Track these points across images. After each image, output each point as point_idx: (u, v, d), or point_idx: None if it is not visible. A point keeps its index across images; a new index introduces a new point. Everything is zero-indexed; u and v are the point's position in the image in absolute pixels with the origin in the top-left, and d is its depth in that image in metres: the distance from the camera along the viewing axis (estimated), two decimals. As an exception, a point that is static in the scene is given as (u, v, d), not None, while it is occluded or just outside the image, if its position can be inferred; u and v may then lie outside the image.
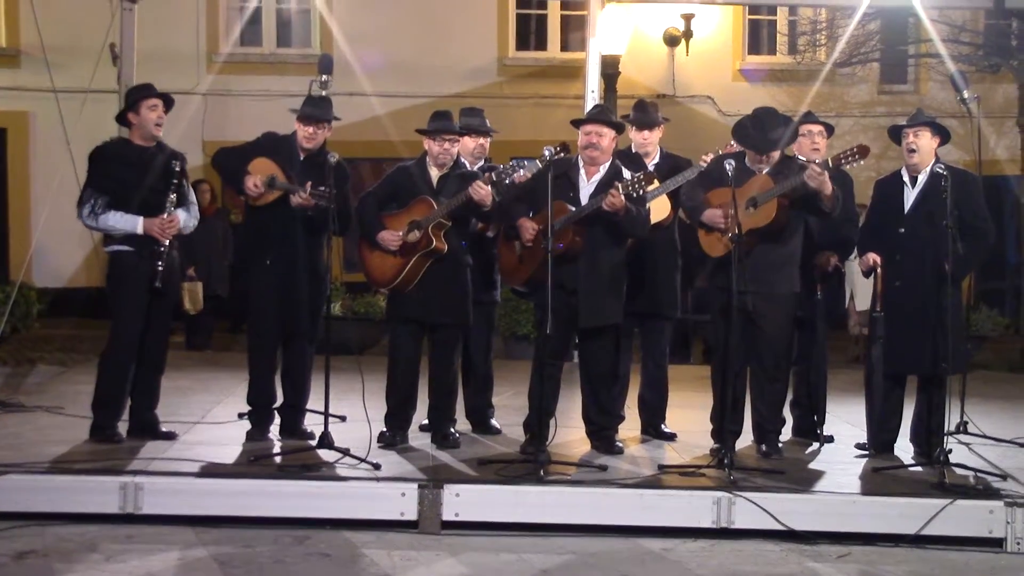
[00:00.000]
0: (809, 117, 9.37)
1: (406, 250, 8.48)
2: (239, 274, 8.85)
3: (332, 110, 8.70)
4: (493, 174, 8.42)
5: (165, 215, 8.39)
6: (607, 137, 8.56)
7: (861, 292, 15.19)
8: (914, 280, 8.56)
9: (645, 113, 9.29)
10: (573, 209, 8.33)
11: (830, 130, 9.43)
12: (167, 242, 8.41)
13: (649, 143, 9.23)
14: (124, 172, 8.37)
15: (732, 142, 9.04)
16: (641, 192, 8.26)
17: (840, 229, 9.06)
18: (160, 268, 8.35)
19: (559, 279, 8.12)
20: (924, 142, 8.64)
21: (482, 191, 8.30)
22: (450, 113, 8.83)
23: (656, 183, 8.70)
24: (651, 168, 8.94)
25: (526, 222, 8.44)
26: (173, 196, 8.45)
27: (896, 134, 8.80)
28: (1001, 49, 18.41)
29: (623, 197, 8.16)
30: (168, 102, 8.57)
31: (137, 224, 8.32)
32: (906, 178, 8.73)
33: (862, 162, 8.28)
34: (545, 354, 8.31)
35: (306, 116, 8.58)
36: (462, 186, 8.49)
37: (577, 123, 8.74)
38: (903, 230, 8.63)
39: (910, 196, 8.66)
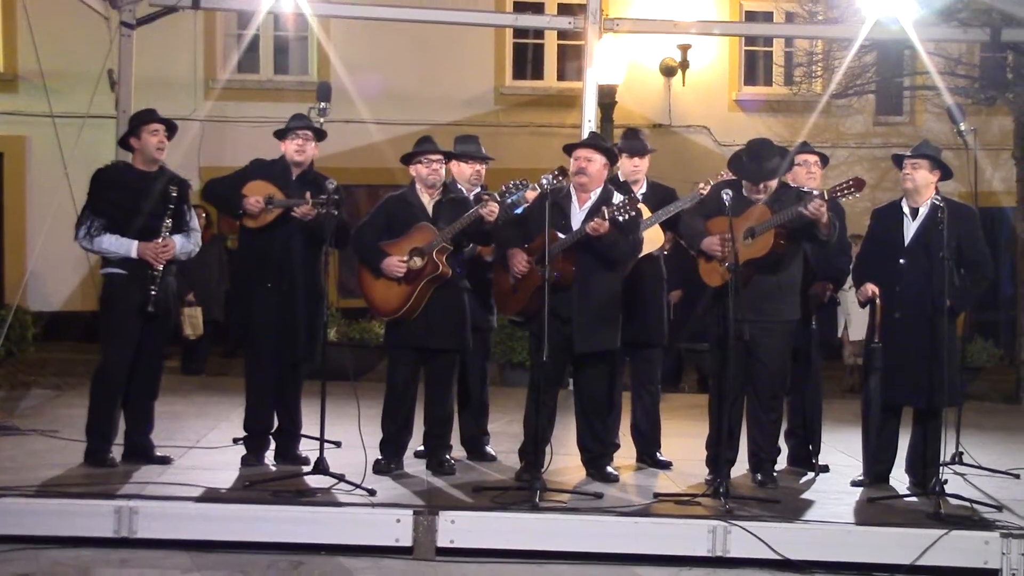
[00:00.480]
0: (805, 147, 9.41)
1: (411, 277, 8.49)
2: (237, 299, 8.83)
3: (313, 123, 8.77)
4: (497, 194, 8.46)
5: (160, 240, 8.40)
6: (597, 162, 8.57)
7: (856, 322, 15.25)
8: (913, 312, 8.57)
9: (635, 140, 9.33)
10: (563, 237, 8.35)
11: (825, 160, 9.47)
12: (161, 267, 8.40)
13: (640, 171, 9.25)
14: (122, 196, 8.40)
15: (723, 172, 9.08)
16: (627, 217, 8.26)
17: (834, 259, 9.11)
18: (153, 293, 8.36)
19: (553, 308, 8.14)
20: (920, 174, 8.66)
21: (494, 210, 8.34)
22: (431, 138, 8.87)
23: (645, 210, 8.73)
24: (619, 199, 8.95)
25: (517, 253, 8.45)
26: (168, 221, 8.46)
27: (899, 162, 8.83)
28: (997, 82, 18.44)
29: (608, 223, 8.19)
30: (171, 128, 8.61)
31: (132, 248, 8.33)
32: (906, 209, 8.75)
33: (857, 195, 8.31)
34: (540, 382, 8.31)
35: (291, 129, 8.67)
36: (457, 212, 8.52)
37: (569, 148, 8.73)
38: (903, 261, 8.64)
39: (910, 228, 8.68)
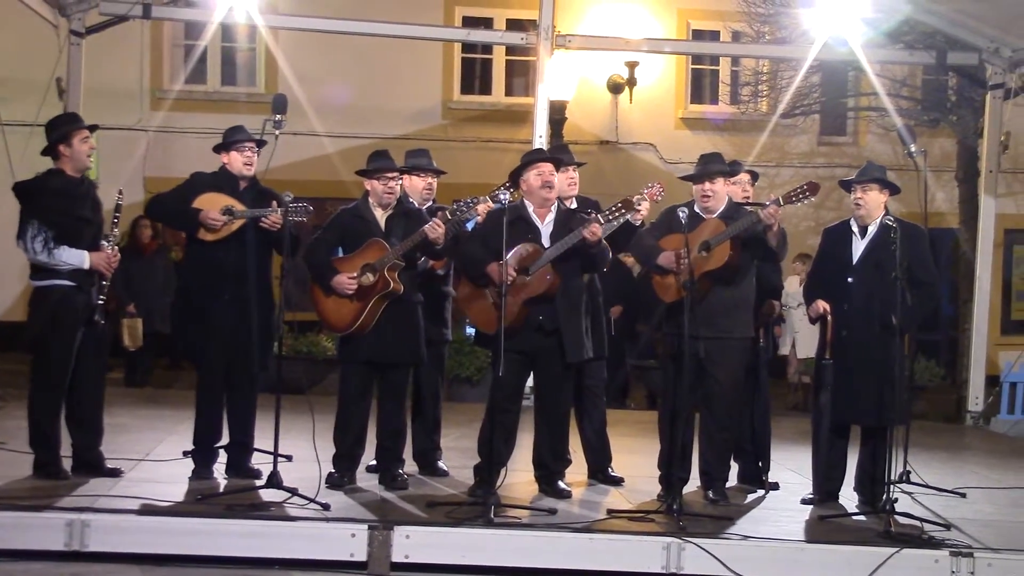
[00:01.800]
0: (735, 166, 9.50)
1: (362, 293, 8.47)
2: (187, 312, 8.72)
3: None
4: (448, 212, 8.45)
5: (110, 249, 8.35)
6: (555, 176, 8.61)
7: (803, 339, 15.39)
8: (861, 330, 8.65)
9: (568, 153, 9.37)
10: (545, 249, 8.36)
11: (755, 176, 9.61)
12: (109, 276, 8.35)
13: (575, 184, 9.26)
14: (65, 205, 8.28)
15: (655, 183, 9.18)
16: (618, 222, 8.39)
17: (770, 276, 9.20)
18: (101, 302, 8.32)
19: (536, 321, 8.19)
20: (871, 196, 8.74)
21: (439, 229, 8.34)
22: (388, 152, 8.85)
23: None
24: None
25: (497, 267, 8.30)
26: (116, 230, 8.45)
27: (847, 187, 8.91)
28: (940, 104, 18.71)
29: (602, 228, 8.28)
30: (92, 131, 8.53)
31: (84, 259, 8.25)
32: (855, 228, 8.82)
33: (812, 199, 8.41)
34: (499, 397, 8.30)
35: (238, 141, 8.65)
36: (410, 225, 8.52)
37: (528, 164, 8.64)
38: (851, 279, 8.72)
39: (859, 246, 8.76)
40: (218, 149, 8.77)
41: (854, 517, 8.47)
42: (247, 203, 8.55)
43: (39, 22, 13.56)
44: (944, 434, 13.95)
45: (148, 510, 7.50)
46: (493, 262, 8.33)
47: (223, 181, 8.66)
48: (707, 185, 8.67)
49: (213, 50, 20.45)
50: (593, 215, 8.36)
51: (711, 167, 8.73)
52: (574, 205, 9.11)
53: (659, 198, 9.27)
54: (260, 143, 8.77)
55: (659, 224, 8.85)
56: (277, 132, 8.68)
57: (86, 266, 8.24)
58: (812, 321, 9.03)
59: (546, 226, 8.52)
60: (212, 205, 8.48)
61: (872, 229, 8.72)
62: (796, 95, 18.48)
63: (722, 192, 8.71)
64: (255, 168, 8.73)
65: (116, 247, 8.46)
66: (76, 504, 7.46)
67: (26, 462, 8.39)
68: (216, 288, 8.52)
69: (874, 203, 8.74)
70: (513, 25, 19.33)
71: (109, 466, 8.49)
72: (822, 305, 8.76)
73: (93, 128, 8.55)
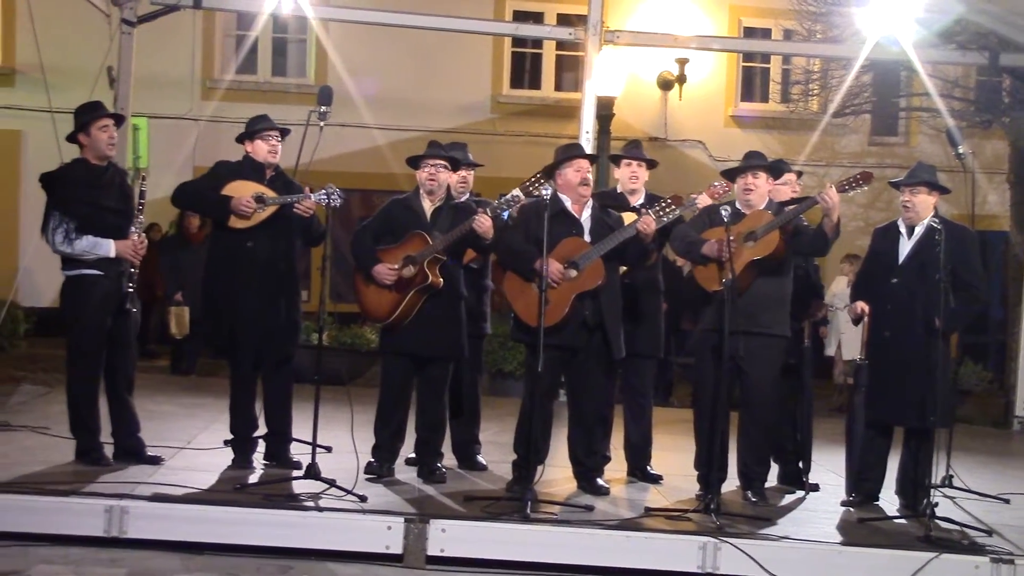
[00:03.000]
0: (781, 165, 9.42)
1: (402, 285, 8.48)
2: (219, 302, 8.70)
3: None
4: (489, 209, 8.43)
5: (136, 236, 8.39)
6: (591, 174, 8.64)
7: (848, 341, 15.28)
8: (903, 332, 8.59)
9: (636, 147, 9.37)
10: (588, 243, 8.35)
11: (799, 175, 9.52)
12: (137, 263, 8.41)
13: (638, 179, 9.26)
14: (89, 195, 8.31)
15: (715, 183, 9.14)
16: (671, 217, 8.41)
17: (811, 275, 9.22)
18: (131, 289, 8.36)
19: (581, 316, 8.20)
20: (920, 199, 8.68)
21: (486, 223, 8.32)
22: (438, 143, 8.92)
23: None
24: (636, 207, 8.99)
25: (551, 261, 8.24)
26: (141, 217, 8.48)
27: (897, 187, 8.85)
28: (992, 105, 18.50)
29: (655, 223, 8.29)
30: (118, 121, 8.58)
31: (110, 247, 8.28)
32: (903, 229, 8.77)
33: (866, 187, 8.37)
34: (537, 392, 8.29)
35: (263, 130, 8.67)
36: (456, 218, 8.52)
37: (567, 159, 8.63)
38: (896, 280, 8.66)
39: (905, 247, 8.71)
40: (241, 139, 8.79)
41: (894, 520, 8.40)
42: (276, 191, 8.58)
43: (91, 11, 13.65)
44: (990, 439, 13.84)
45: (187, 498, 7.54)
46: (536, 257, 8.28)
47: (248, 169, 8.68)
48: (749, 179, 8.64)
49: (264, 41, 20.57)
50: (645, 210, 8.33)
51: (753, 160, 8.70)
52: (641, 200, 9.10)
53: (720, 196, 9.20)
54: (284, 132, 8.78)
55: (698, 220, 8.81)
56: (322, 124, 8.68)
57: (112, 254, 8.27)
58: (854, 322, 8.98)
59: (585, 221, 8.51)
60: (242, 193, 8.50)
61: (919, 230, 8.66)
62: (847, 94, 18.34)
63: (764, 188, 8.67)
64: (279, 157, 8.75)
65: (143, 234, 8.49)
66: (115, 490, 7.50)
67: (68, 447, 8.48)
68: (245, 277, 8.53)
69: (922, 205, 8.67)
70: (563, 20, 19.36)
71: (150, 453, 8.54)
72: (860, 306, 8.73)
73: (118, 118, 8.61)
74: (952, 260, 8.29)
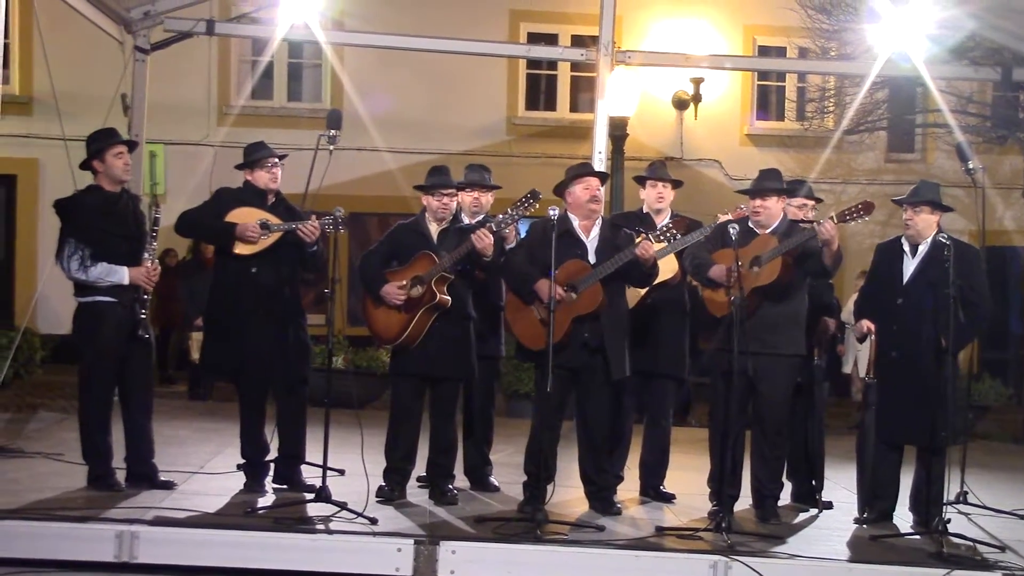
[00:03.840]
0: (799, 185, 9.44)
1: (410, 305, 8.51)
2: (225, 329, 8.73)
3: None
4: (492, 224, 8.45)
5: (150, 263, 8.41)
6: (602, 191, 8.65)
7: (864, 358, 15.22)
8: (911, 352, 8.57)
9: (661, 168, 9.40)
10: (589, 265, 8.35)
11: (818, 202, 9.52)
12: (150, 290, 8.43)
13: (664, 200, 9.27)
14: (102, 221, 8.34)
15: (741, 206, 9.12)
16: (674, 240, 8.38)
17: (822, 294, 9.13)
18: (143, 316, 8.38)
19: (581, 338, 8.19)
20: (922, 218, 8.67)
21: (485, 240, 8.34)
22: (447, 168, 8.92)
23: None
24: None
25: (546, 283, 8.26)
26: (155, 244, 8.50)
27: (900, 205, 8.84)
28: (1008, 121, 18.49)
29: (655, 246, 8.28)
30: (132, 147, 8.62)
31: (124, 274, 8.30)
32: (906, 247, 8.75)
33: (867, 218, 8.35)
34: (545, 413, 8.30)
35: (263, 158, 8.70)
36: (462, 239, 8.53)
37: (576, 178, 8.68)
38: (901, 300, 8.64)
39: (909, 266, 8.69)
40: (241, 167, 8.83)
41: (907, 538, 8.38)
42: (278, 217, 8.62)
43: (104, 38, 13.73)
44: (1008, 455, 13.79)
45: (197, 522, 7.56)
46: (541, 278, 8.32)
47: (250, 196, 8.72)
48: (758, 201, 8.65)
49: (279, 66, 20.66)
50: (643, 234, 8.32)
51: (765, 184, 8.70)
52: (667, 220, 9.08)
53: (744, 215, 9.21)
54: (281, 157, 8.81)
55: (712, 238, 8.82)
56: (331, 148, 8.71)
57: (125, 281, 8.30)
58: (859, 340, 8.96)
59: (591, 241, 8.52)
60: (246, 219, 8.53)
61: (923, 248, 8.65)
62: (861, 111, 18.37)
63: (775, 209, 8.67)
64: (279, 183, 8.78)
65: (156, 261, 8.51)
66: (126, 516, 7.53)
67: (81, 474, 8.50)
68: (251, 303, 8.57)
69: (924, 224, 8.66)
70: (577, 41, 19.35)
71: (162, 478, 8.56)
72: (866, 325, 8.70)
73: (132, 144, 8.64)
74: (958, 277, 8.26)
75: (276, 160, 8.75)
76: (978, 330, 8.85)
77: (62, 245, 8.34)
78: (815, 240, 8.37)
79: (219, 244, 8.80)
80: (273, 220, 8.55)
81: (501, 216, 8.49)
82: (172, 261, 16.56)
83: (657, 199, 9.29)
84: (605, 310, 8.37)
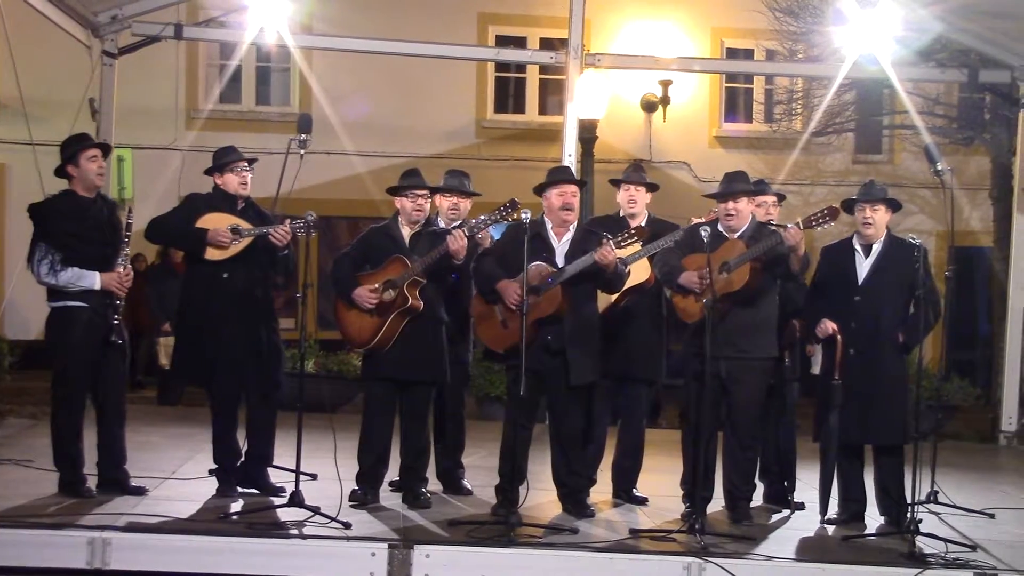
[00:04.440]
0: (761, 186, 9.46)
1: (382, 309, 8.50)
2: (197, 334, 8.71)
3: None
4: (466, 228, 8.45)
5: (121, 269, 8.37)
6: (578, 198, 8.64)
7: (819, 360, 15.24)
8: (870, 348, 8.66)
9: (636, 171, 9.40)
10: (554, 270, 8.36)
11: (781, 198, 9.55)
12: (123, 296, 8.39)
13: (636, 203, 9.27)
14: (76, 227, 8.30)
15: (714, 209, 9.15)
16: (632, 245, 8.39)
17: (793, 296, 9.16)
18: (116, 322, 8.34)
19: (544, 341, 8.17)
20: (880, 216, 8.75)
21: (460, 241, 8.34)
22: (419, 171, 8.90)
23: (637, 243, 8.77)
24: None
25: (510, 284, 8.39)
26: (127, 249, 8.45)
27: (850, 206, 8.84)
28: (974, 122, 18.60)
29: (616, 251, 8.25)
30: (106, 151, 8.58)
31: (95, 279, 8.25)
32: (858, 247, 8.81)
33: (832, 224, 8.39)
34: (517, 416, 8.31)
35: (232, 162, 8.68)
36: (434, 243, 8.53)
37: (552, 183, 8.71)
38: (858, 299, 8.70)
39: (863, 265, 8.76)
40: (210, 171, 8.80)
41: (879, 538, 8.42)
42: (249, 221, 8.61)
43: (72, 43, 13.66)
44: (977, 454, 13.84)
45: (169, 528, 7.54)
46: (504, 279, 8.39)
47: (220, 201, 8.69)
48: (730, 204, 8.66)
49: (247, 70, 20.60)
50: (606, 239, 8.33)
51: (735, 186, 8.72)
52: (643, 223, 9.11)
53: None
54: (251, 161, 8.79)
55: (682, 243, 8.84)
56: (302, 152, 8.69)
57: (97, 286, 8.25)
58: (818, 341, 8.96)
59: (562, 245, 8.53)
60: (217, 224, 8.51)
61: (877, 248, 8.74)
62: (829, 113, 18.44)
63: (746, 211, 8.70)
64: (249, 188, 8.76)
65: (129, 266, 8.47)
66: (98, 522, 7.49)
67: (51, 480, 8.45)
68: (223, 308, 8.55)
69: (882, 222, 8.76)
70: (546, 44, 19.43)
71: (134, 484, 8.51)
72: (831, 325, 8.69)
73: (105, 148, 8.61)
74: (913, 276, 8.43)
75: (246, 164, 8.72)
76: (933, 325, 8.89)
77: (33, 249, 8.30)
78: (782, 245, 8.39)
79: (190, 250, 8.77)
80: (244, 225, 8.53)
81: (475, 220, 8.50)
82: (141, 266, 16.48)
83: (629, 202, 9.29)
84: (569, 313, 8.39)
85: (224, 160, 8.71)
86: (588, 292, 8.53)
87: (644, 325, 9.18)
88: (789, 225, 8.43)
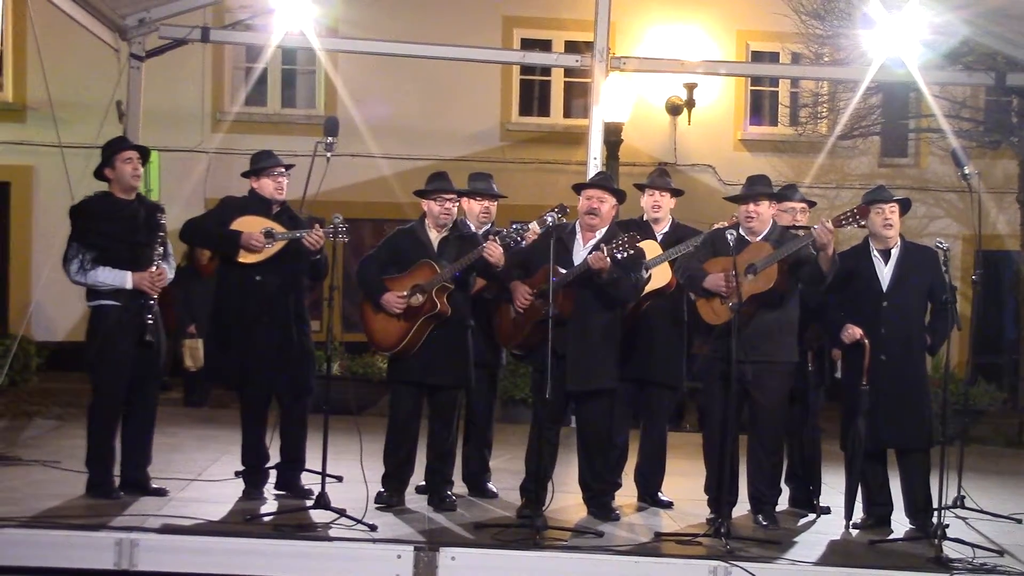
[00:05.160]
0: (790, 192, 9.44)
1: (410, 314, 8.51)
2: (228, 336, 8.76)
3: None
4: (498, 237, 8.47)
5: (154, 268, 8.40)
6: (608, 203, 8.62)
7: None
8: (899, 354, 8.65)
9: (660, 177, 9.40)
10: (563, 273, 8.38)
11: (811, 205, 9.51)
12: (156, 295, 8.42)
13: (660, 208, 9.27)
14: (109, 227, 8.37)
15: (735, 215, 9.13)
16: (625, 255, 8.28)
17: (814, 301, 9.13)
18: (150, 322, 8.37)
19: (551, 343, 8.18)
20: (897, 218, 8.75)
21: (497, 251, 8.36)
22: (447, 174, 8.91)
23: (654, 247, 8.76)
24: (660, 237, 9.03)
25: (519, 286, 8.50)
26: (160, 249, 8.49)
27: (862, 212, 8.76)
28: (1001, 125, 18.54)
29: (608, 259, 8.21)
30: (144, 154, 8.62)
31: (127, 279, 8.31)
32: (875, 252, 8.81)
33: (862, 222, 8.38)
34: (543, 418, 8.32)
35: (269, 167, 8.73)
36: (464, 248, 8.56)
37: (579, 187, 8.80)
38: (886, 304, 8.69)
39: (885, 270, 8.76)
40: (247, 175, 8.85)
41: (905, 542, 8.39)
42: (283, 225, 8.64)
43: (100, 46, 13.73)
44: (1003, 459, 13.80)
45: (196, 530, 7.57)
46: (516, 280, 8.49)
47: (255, 205, 8.75)
48: (751, 207, 8.65)
49: (273, 72, 20.62)
50: (602, 246, 8.31)
51: (756, 188, 8.71)
52: (666, 230, 9.15)
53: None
54: (288, 167, 8.83)
55: (704, 246, 8.83)
56: (328, 155, 8.71)
57: (128, 286, 8.31)
58: (841, 347, 8.92)
59: (585, 250, 8.52)
60: (252, 228, 8.56)
61: (896, 252, 8.77)
62: (855, 117, 18.40)
63: (767, 215, 8.68)
64: (285, 193, 8.80)
65: (163, 266, 8.50)
66: (126, 523, 7.53)
67: (79, 481, 8.49)
68: (256, 311, 8.59)
69: (898, 224, 8.76)
70: (571, 47, 19.42)
71: (155, 486, 8.55)
72: (857, 331, 8.65)
73: (144, 151, 8.65)
74: (932, 280, 8.51)
75: (283, 169, 8.76)
76: (951, 329, 8.86)
77: (67, 249, 8.38)
78: (812, 245, 8.36)
79: (223, 252, 8.83)
80: (278, 229, 8.58)
81: (509, 229, 8.52)
82: (167, 268, 16.51)
83: (653, 207, 9.29)
84: (577, 318, 8.41)
85: (261, 165, 8.77)
86: (598, 298, 8.49)
87: (665, 329, 9.17)
88: (815, 227, 8.39)
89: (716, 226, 9.18)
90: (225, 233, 8.61)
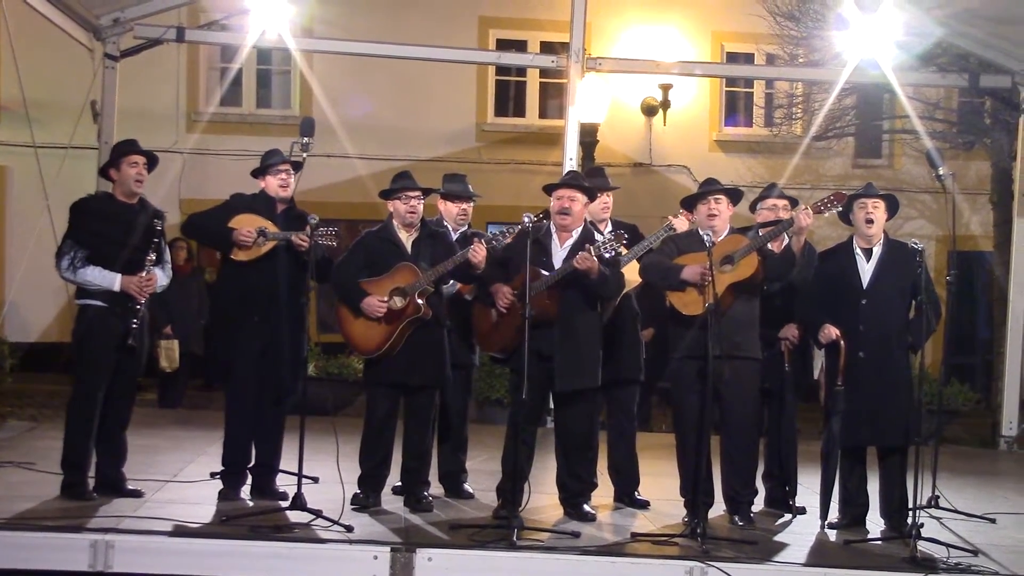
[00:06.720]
0: (772, 189, 9.47)
1: (391, 317, 8.49)
2: (219, 333, 8.83)
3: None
4: (484, 240, 8.47)
5: (144, 273, 8.38)
6: (579, 202, 8.62)
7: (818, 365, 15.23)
8: (878, 352, 8.67)
9: (603, 177, 9.40)
10: (546, 274, 8.37)
11: (794, 203, 9.52)
12: (143, 300, 8.40)
13: (609, 209, 9.30)
14: (105, 227, 8.37)
15: (680, 211, 9.19)
16: (613, 253, 8.32)
17: (789, 301, 9.16)
18: (135, 326, 8.34)
19: (535, 345, 8.14)
20: (880, 214, 8.78)
21: (481, 253, 8.37)
22: (410, 173, 8.89)
23: (623, 247, 8.78)
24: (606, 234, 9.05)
25: (501, 287, 8.49)
26: (153, 255, 8.46)
27: (845, 214, 8.83)
28: (974, 127, 18.62)
29: (595, 259, 8.22)
30: (152, 160, 8.60)
31: (115, 281, 8.29)
32: (858, 250, 8.82)
33: (840, 208, 8.44)
34: (520, 419, 8.32)
35: (273, 165, 8.73)
36: (436, 248, 8.57)
37: (550, 188, 8.78)
38: (865, 302, 8.71)
39: (866, 269, 8.77)
40: (256, 174, 8.85)
41: (880, 542, 8.42)
42: (280, 225, 8.63)
43: (74, 45, 13.70)
44: (977, 459, 13.85)
45: (172, 531, 7.54)
46: (497, 282, 8.47)
47: (260, 203, 8.76)
48: (712, 204, 8.67)
49: (248, 73, 20.58)
50: (587, 246, 8.33)
51: (713, 187, 8.76)
52: (609, 229, 9.12)
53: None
54: (296, 165, 8.80)
55: (664, 249, 8.84)
56: (304, 155, 8.70)
57: (116, 288, 8.29)
58: (820, 347, 8.95)
59: (563, 251, 8.54)
60: (247, 226, 8.55)
61: (878, 251, 8.77)
62: (829, 117, 18.45)
63: (727, 212, 8.73)
64: (292, 190, 8.78)
65: (153, 272, 8.47)
66: (101, 525, 7.51)
67: (53, 483, 8.45)
68: (248, 309, 8.59)
69: (882, 220, 8.81)
70: (547, 48, 19.44)
71: (130, 487, 8.53)
72: (834, 331, 8.67)
73: (152, 157, 8.62)
74: (913, 279, 8.50)
75: (288, 167, 8.74)
76: (935, 328, 8.89)
77: (61, 244, 8.41)
78: (790, 228, 8.42)
79: (218, 247, 8.89)
80: (271, 228, 8.56)
81: (494, 232, 8.53)
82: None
83: (602, 208, 9.30)
84: (561, 319, 8.42)
85: (267, 163, 8.78)
86: (582, 298, 8.52)
87: (624, 327, 9.17)
88: (795, 212, 8.47)
89: (670, 219, 9.18)
90: (221, 229, 8.61)
